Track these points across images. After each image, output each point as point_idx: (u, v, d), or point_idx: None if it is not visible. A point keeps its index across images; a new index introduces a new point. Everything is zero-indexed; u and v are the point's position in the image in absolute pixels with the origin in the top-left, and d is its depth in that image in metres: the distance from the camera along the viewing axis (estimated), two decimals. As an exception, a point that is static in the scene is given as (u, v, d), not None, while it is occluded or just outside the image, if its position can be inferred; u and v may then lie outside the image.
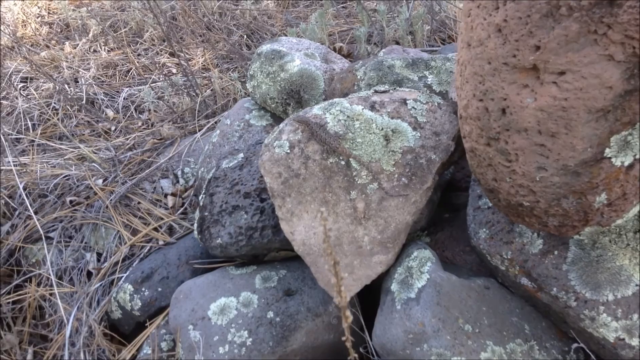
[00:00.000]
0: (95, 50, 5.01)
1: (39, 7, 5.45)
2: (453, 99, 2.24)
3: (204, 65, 4.70)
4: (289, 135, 2.23)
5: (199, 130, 3.78)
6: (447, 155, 2.15)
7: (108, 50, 4.95)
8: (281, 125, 2.29)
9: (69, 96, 4.28)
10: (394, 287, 2.12)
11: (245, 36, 4.66)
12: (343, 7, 5.09)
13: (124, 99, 4.39)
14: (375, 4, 4.51)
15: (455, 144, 2.19)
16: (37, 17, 5.37)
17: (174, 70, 4.45)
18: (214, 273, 2.55)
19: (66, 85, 4.34)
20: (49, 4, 5.64)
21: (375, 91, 2.30)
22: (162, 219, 3.28)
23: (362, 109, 2.21)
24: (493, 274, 2.22)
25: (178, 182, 3.59)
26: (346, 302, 1.13)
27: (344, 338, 1.08)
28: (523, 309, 2.21)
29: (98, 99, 4.50)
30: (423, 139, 2.17)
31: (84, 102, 4.31)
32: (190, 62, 4.53)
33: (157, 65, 4.57)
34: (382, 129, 2.17)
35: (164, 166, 3.64)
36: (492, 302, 2.17)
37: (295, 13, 5.33)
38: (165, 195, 3.46)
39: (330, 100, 2.26)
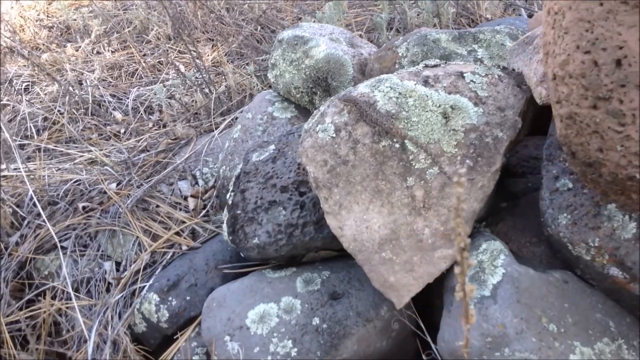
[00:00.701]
0: (98, 52, 4.76)
1: (37, 11, 5.21)
2: (517, 69, 1.98)
3: (214, 62, 4.45)
4: (334, 117, 1.97)
5: (216, 129, 3.52)
6: (515, 133, 1.89)
7: (112, 51, 4.71)
8: (322, 107, 2.03)
9: (75, 99, 4.03)
10: (461, 284, 1.85)
11: (259, 27, 4.41)
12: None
13: (132, 100, 4.14)
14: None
15: (522, 120, 1.93)
16: (36, 21, 5.13)
17: (183, 68, 4.19)
18: (249, 277, 2.29)
19: (71, 88, 4.09)
20: (48, 7, 5.40)
21: (426, 65, 2.05)
22: (183, 222, 3.02)
23: (415, 84, 1.96)
24: (570, 266, 1.96)
25: (197, 183, 3.34)
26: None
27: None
28: (605, 304, 1.95)
29: (105, 101, 4.25)
30: (487, 115, 1.91)
31: (90, 104, 4.06)
32: (201, 59, 4.28)
33: (165, 63, 4.32)
34: (440, 106, 1.92)
35: (181, 167, 3.39)
36: (573, 297, 1.90)
37: (307, 5, 5.08)
38: (185, 198, 3.20)
39: (377, 77, 2.01)
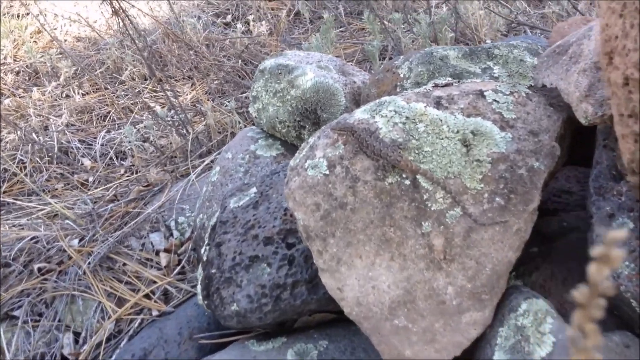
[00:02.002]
0: (67, 96, 4.39)
1: (4, 55, 4.85)
2: (549, 84, 1.60)
3: (193, 101, 4.08)
4: (326, 150, 1.58)
5: (193, 172, 3.12)
6: (554, 162, 1.51)
7: (83, 94, 4.33)
8: (312, 139, 1.65)
9: (38, 147, 3.63)
10: (498, 357, 1.44)
11: (240, 62, 4.07)
12: (347, 24, 4.54)
13: (101, 145, 3.74)
14: (386, 14, 3.94)
15: (559, 146, 1.54)
16: (2, 65, 4.76)
17: (159, 109, 3.80)
18: (229, 350, 1.86)
19: (34, 135, 3.69)
20: (15, 51, 5.04)
21: (436, 85, 1.67)
22: (154, 282, 2.60)
23: (425, 106, 1.58)
24: (631, 326, 1.54)
25: (172, 235, 2.92)
26: None
27: None
28: (677, 373, 1.52)
29: (73, 147, 3.84)
30: (517, 141, 1.53)
31: (56, 151, 3.65)
32: (178, 99, 3.92)
33: (139, 104, 3.95)
34: (458, 132, 1.53)
35: (153, 217, 2.97)
36: (638, 366, 1.48)
37: (292, 39, 4.76)
38: (157, 253, 2.78)
39: (377, 100, 1.63)
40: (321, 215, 1.55)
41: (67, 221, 2.95)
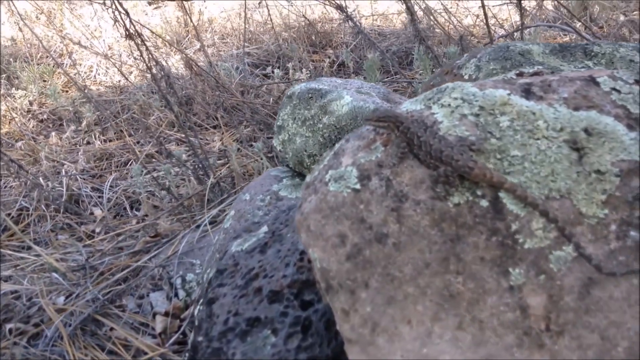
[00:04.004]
0: (88, 142, 4.03)
1: (30, 102, 4.60)
2: None
3: (222, 149, 3.64)
4: (357, 155, 1.04)
5: (209, 221, 2.62)
6: None
7: (104, 140, 3.97)
8: (338, 144, 1.12)
9: (45, 194, 3.22)
10: None
11: (275, 108, 3.65)
12: (395, 74, 4.10)
13: (115, 193, 3.31)
14: (441, 51, 3.48)
15: None
16: (27, 112, 4.50)
17: (177, 151, 3.38)
18: None
19: (41, 180, 3.30)
20: (41, 97, 4.79)
21: (520, 73, 1.14)
22: (144, 353, 2.05)
23: (509, 94, 1.03)
24: None
25: (176, 295, 2.37)
26: None
27: None
28: None
29: (84, 195, 3.42)
30: (657, 144, 0.96)
31: (64, 199, 3.23)
32: (200, 141, 3.51)
33: (165, 151, 3.53)
34: (562, 130, 0.98)
35: (156, 273, 2.45)
36: None
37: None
38: (154, 316, 2.24)
39: (435, 88, 1.10)
40: (348, 253, 1.00)
41: (54, 274, 2.46)
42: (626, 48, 1.50)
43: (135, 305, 2.40)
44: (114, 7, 2.44)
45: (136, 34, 2.52)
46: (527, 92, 1.08)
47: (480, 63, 1.46)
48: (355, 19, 3.12)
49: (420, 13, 3.84)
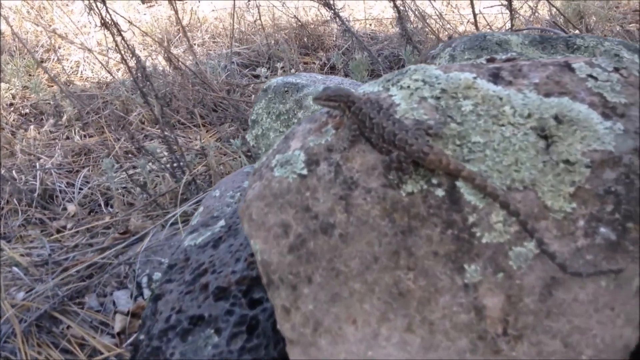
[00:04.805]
0: (68, 137, 3.92)
1: (12, 95, 4.50)
2: None
3: (201, 147, 3.54)
4: (307, 138, 0.95)
5: (181, 219, 2.52)
6: None
7: (84, 136, 3.87)
8: (293, 125, 1.03)
9: (18, 187, 3.12)
10: None
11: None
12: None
13: (89, 188, 3.21)
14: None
15: None
16: (9, 105, 4.40)
17: (152, 146, 3.29)
18: None
19: (15, 173, 3.20)
20: (25, 91, 4.69)
21: (491, 59, 1.05)
22: (100, 352, 1.94)
23: (474, 77, 0.94)
24: None
25: (142, 294, 2.27)
26: None
27: None
28: None
29: (58, 190, 3.31)
30: (633, 136, 0.87)
31: (36, 194, 3.13)
32: (189, 145, 3.43)
33: (135, 144, 3.44)
34: (530, 116, 0.89)
35: (122, 271, 2.35)
36: None
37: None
38: (115, 314, 2.14)
39: (398, 70, 1.01)
40: (291, 244, 0.90)
41: (15, 269, 2.36)
42: (611, 42, 1.41)
43: (98, 303, 2.30)
44: (89, -6, 2.35)
45: (112, 24, 2.44)
46: (495, 77, 0.99)
47: (455, 52, 1.37)
48: (344, 19, 3.04)
49: (413, 18, 3.76)
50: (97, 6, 2.42)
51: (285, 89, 2.06)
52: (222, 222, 1.43)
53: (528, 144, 0.89)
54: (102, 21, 2.42)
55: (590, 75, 0.99)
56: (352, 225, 0.89)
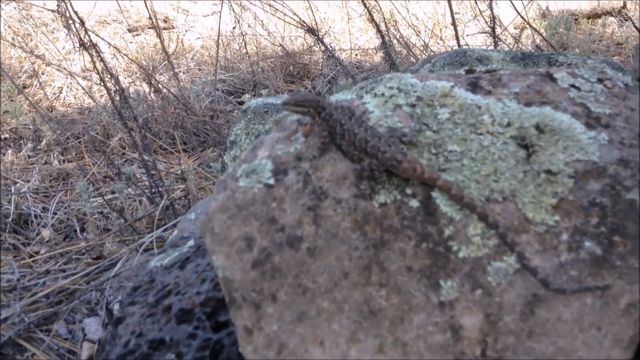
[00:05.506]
0: (47, 162, 3.85)
1: (-7, 119, 4.43)
2: None
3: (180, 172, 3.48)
4: (275, 147, 0.90)
5: (156, 244, 2.44)
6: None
7: (63, 161, 3.80)
8: (261, 136, 0.97)
9: (-7, 211, 3.03)
10: None
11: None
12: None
13: (65, 213, 3.13)
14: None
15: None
16: (-12, 130, 4.33)
17: (129, 170, 3.22)
18: None
19: (-11, 198, 3.12)
20: (6, 117, 4.63)
21: (471, 70, 1.01)
22: (64, 385, 1.85)
23: (452, 86, 0.90)
24: None
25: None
26: None
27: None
28: None
29: (33, 215, 3.22)
30: (618, 146, 0.82)
31: (10, 219, 3.04)
32: (170, 169, 3.36)
33: (110, 167, 3.38)
34: (510, 125, 0.84)
35: (93, 297, 2.26)
36: None
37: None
38: (83, 342, 2.04)
39: (372, 78, 0.96)
40: (255, 259, 0.84)
41: (-19, 295, 2.25)
42: (595, 60, 1.39)
43: (67, 330, 2.20)
44: (67, 14, 2.31)
45: (91, 45, 2.39)
46: (474, 86, 0.94)
47: (434, 68, 1.34)
48: (328, 44, 3.02)
49: (398, 46, 3.76)
50: (75, 27, 2.38)
51: (265, 109, 2.01)
52: (191, 242, 1.36)
53: (508, 154, 0.84)
54: (81, 42, 2.38)
55: (573, 86, 0.95)
56: (320, 238, 0.83)
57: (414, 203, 0.82)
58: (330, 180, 0.85)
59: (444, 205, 0.81)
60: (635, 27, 3.67)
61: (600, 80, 0.97)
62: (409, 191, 0.83)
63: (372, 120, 0.88)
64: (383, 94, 0.92)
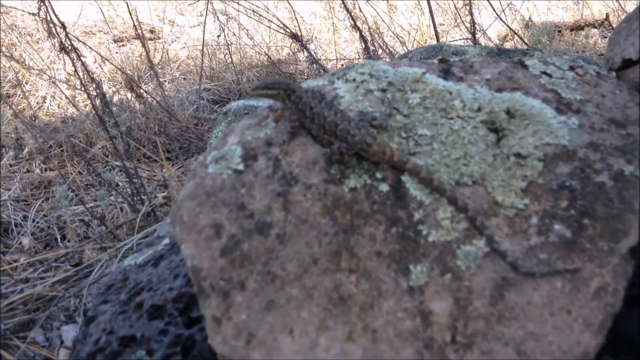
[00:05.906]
0: (28, 170, 3.81)
1: (-28, 128, 4.38)
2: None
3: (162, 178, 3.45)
4: (245, 133, 0.89)
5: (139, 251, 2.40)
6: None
7: (46, 169, 3.76)
8: (232, 125, 0.96)
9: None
10: None
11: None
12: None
13: (46, 221, 3.08)
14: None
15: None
16: (-31, 139, 4.28)
17: (109, 176, 3.20)
18: None
19: (-33, 206, 3.07)
20: (-9, 125, 4.58)
21: (443, 60, 1.01)
22: (39, 391, 1.80)
23: (424, 72, 0.89)
24: None
25: (91, 329, 2.12)
26: None
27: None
28: None
29: (13, 223, 3.17)
30: (588, 130, 0.82)
31: (-9, 226, 2.99)
32: (154, 178, 3.33)
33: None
34: (480, 109, 0.84)
35: (71, 304, 2.22)
36: None
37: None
38: (60, 349, 2.00)
39: (346, 66, 0.96)
40: (223, 246, 0.82)
41: (-43, 303, 2.21)
42: (570, 56, 1.39)
43: (44, 337, 2.16)
44: (48, 18, 2.30)
45: (72, 48, 2.37)
46: (446, 73, 0.94)
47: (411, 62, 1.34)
48: (311, 50, 3.02)
49: (382, 53, 3.77)
50: (56, 31, 2.36)
51: (246, 111, 2.00)
52: (166, 241, 1.34)
53: (477, 137, 0.83)
54: (61, 45, 2.36)
55: (545, 73, 0.95)
56: (290, 224, 0.81)
57: (384, 187, 0.81)
58: (300, 165, 0.84)
59: (413, 189, 0.80)
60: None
61: (572, 68, 0.98)
62: (379, 175, 0.82)
63: (343, 105, 0.87)
64: (354, 80, 0.91)
